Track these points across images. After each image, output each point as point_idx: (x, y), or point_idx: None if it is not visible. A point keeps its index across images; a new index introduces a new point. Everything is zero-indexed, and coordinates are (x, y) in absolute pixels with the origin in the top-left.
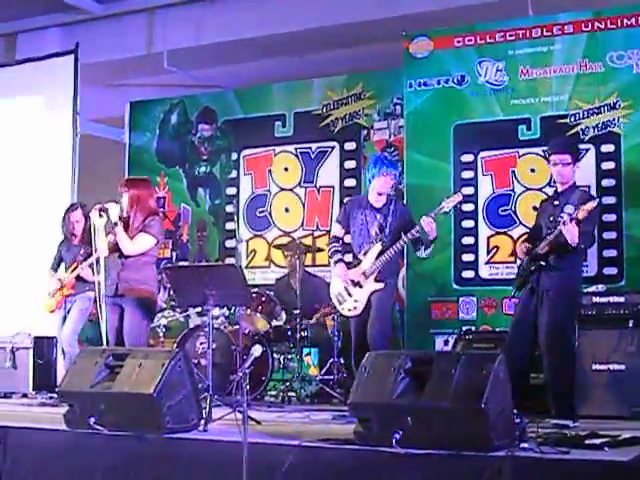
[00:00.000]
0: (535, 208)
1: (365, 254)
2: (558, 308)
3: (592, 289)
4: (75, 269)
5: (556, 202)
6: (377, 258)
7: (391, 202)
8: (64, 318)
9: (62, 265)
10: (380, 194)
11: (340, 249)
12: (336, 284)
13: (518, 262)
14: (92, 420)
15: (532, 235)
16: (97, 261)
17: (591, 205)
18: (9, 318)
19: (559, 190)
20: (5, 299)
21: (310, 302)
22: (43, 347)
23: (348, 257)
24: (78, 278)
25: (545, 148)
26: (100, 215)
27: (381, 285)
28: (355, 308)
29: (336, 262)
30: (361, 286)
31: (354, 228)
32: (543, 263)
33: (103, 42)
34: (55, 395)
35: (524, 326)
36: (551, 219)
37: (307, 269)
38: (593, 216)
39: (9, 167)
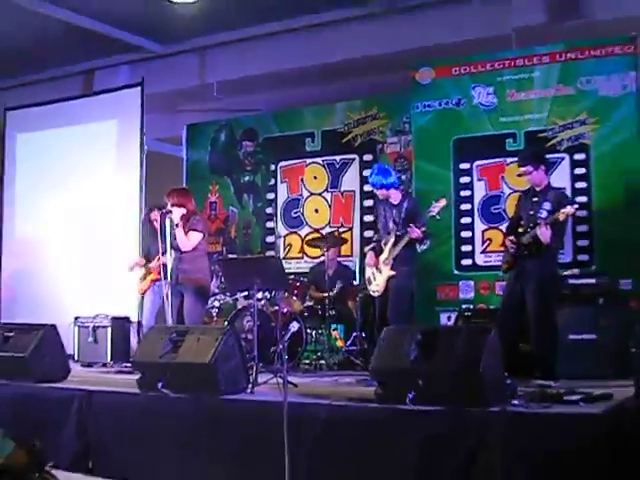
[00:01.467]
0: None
1: (385, 244)
2: (543, 288)
3: (569, 272)
4: (159, 259)
5: (535, 198)
6: (391, 249)
7: (405, 199)
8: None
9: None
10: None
11: (376, 239)
12: (367, 269)
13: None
14: (160, 385)
15: (512, 225)
16: (164, 253)
17: (571, 210)
18: (90, 302)
19: (537, 189)
20: (87, 287)
21: (340, 286)
22: (119, 325)
23: None
24: (164, 266)
25: None
26: (166, 216)
27: (393, 272)
28: (378, 290)
29: (368, 250)
30: (380, 272)
31: (379, 222)
32: (526, 252)
33: (164, 76)
34: (129, 364)
35: (512, 303)
36: (531, 213)
37: (338, 259)
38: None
39: (89, 179)
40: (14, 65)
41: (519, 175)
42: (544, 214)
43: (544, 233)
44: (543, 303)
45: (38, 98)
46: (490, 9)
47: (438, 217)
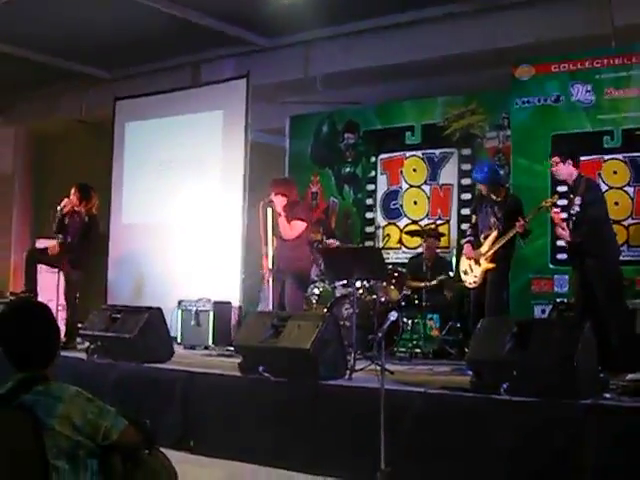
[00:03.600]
0: (616, 203)
1: (485, 238)
2: (603, 284)
3: None
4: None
5: (572, 195)
6: (493, 243)
7: (507, 196)
8: None
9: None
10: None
11: (471, 233)
12: (463, 261)
13: None
14: (261, 368)
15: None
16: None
17: (550, 200)
18: (193, 287)
19: (569, 185)
20: (191, 272)
21: (440, 279)
22: (221, 309)
23: None
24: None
25: (626, 154)
26: (269, 207)
27: (493, 265)
28: (475, 282)
29: (465, 243)
30: (479, 264)
31: (478, 217)
32: (576, 250)
33: (269, 68)
34: (231, 348)
35: (586, 299)
36: (571, 212)
37: (437, 251)
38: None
39: (196, 167)
40: (124, 57)
41: (553, 165)
42: (575, 210)
43: (561, 234)
44: (607, 295)
45: (146, 89)
46: (590, 7)
47: (548, 211)
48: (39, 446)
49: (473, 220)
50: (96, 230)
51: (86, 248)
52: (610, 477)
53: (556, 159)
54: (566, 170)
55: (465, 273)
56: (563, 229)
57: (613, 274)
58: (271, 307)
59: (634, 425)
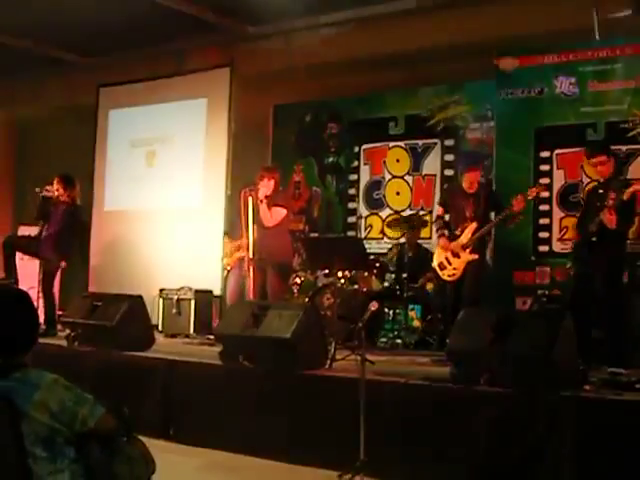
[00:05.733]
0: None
1: (462, 231)
2: (612, 274)
3: None
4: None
5: (600, 190)
6: (473, 234)
7: (482, 189)
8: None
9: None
10: (470, 184)
11: (443, 226)
12: (439, 254)
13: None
14: (241, 357)
15: (582, 217)
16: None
17: (634, 187)
18: (175, 275)
19: (601, 181)
20: (172, 260)
21: (418, 268)
22: (202, 298)
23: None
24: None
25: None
26: (250, 195)
27: (476, 256)
28: (454, 274)
29: (439, 236)
30: (459, 257)
31: (452, 210)
32: (594, 239)
33: (253, 57)
34: (212, 337)
35: (584, 290)
36: (599, 205)
37: (418, 241)
38: (634, 200)
39: (179, 154)
40: (108, 43)
41: (594, 165)
42: (610, 203)
43: (609, 218)
44: (613, 288)
45: (130, 76)
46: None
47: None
48: (16, 433)
49: (440, 213)
50: (80, 220)
51: (71, 238)
52: (588, 469)
53: (603, 158)
54: (607, 169)
55: (441, 266)
56: (611, 214)
57: (619, 264)
58: (252, 296)
59: (613, 418)
